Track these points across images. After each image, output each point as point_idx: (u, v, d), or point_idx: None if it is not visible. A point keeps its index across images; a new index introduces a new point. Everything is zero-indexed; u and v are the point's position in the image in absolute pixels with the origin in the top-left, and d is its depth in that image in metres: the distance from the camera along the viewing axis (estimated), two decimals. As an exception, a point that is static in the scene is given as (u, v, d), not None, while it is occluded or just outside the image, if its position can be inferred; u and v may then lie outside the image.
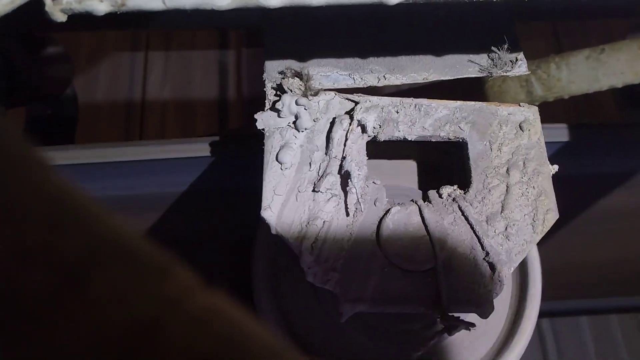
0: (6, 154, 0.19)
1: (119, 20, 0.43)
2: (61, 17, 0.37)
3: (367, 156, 0.47)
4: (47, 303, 0.17)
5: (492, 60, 0.51)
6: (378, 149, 0.50)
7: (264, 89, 0.50)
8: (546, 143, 0.49)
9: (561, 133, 0.65)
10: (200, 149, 0.62)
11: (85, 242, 0.19)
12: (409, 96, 0.49)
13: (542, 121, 0.51)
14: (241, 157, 0.61)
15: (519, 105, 0.50)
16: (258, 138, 0.48)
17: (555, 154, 0.65)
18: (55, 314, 0.17)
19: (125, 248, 0.20)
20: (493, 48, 0.51)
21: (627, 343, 1.24)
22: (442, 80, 0.54)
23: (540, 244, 0.52)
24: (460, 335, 0.50)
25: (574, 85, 0.91)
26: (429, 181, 0.49)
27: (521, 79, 0.89)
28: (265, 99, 0.49)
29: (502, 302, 0.52)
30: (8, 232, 0.18)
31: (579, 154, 0.69)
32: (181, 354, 0.18)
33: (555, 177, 0.48)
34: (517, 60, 0.52)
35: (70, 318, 0.17)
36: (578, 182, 0.72)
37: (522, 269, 0.53)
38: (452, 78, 0.51)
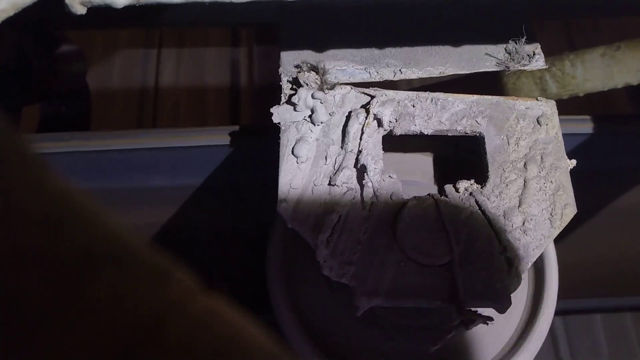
0: (5, 155, 0.19)
1: (134, 14, 0.43)
2: (81, 10, 0.37)
3: (383, 150, 0.47)
4: (46, 306, 0.17)
5: (510, 54, 0.51)
6: (394, 143, 0.50)
7: (280, 83, 0.50)
8: (568, 135, 0.48)
9: (584, 125, 0.64)
10: (216, 138, 0.62)
11: (85, 245, 0.19)
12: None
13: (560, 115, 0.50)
14: (257, 150, 0.61)
15: (537, 100, 0.50)
16: (273, 130, 0.48)
17: (578, 147, 0.64)
18: (53, 317, 0.17)
19: (125, 251, 0.20)
20: (510, 41, 0.50)
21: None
22: (458, 77, 0.53)
23: (557, 241, 0.52)
24: (476, 330, 0.50)
25: (589, 82, 0.90)
26: (445, 176, 0.49)
27: (535, 76, 0.89)
28: (281, 93, 0.49)
29: (518, 299, 0.52)
30: (7, 235, 0.18)
31: (602, 147, 0.68)
32: (181, 355, 0.18)
33: (576, 171, 0.47)
34: (534, 54, 0.52)
35: (69, 321, 0.17)
36: (599, 176, 0.71)
37: (538, 267, 0.53)
38: (469, 72, 0.51)
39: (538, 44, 0.52)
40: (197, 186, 0.65)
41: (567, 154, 0.47)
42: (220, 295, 0.21)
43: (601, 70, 0.91)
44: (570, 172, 0.47)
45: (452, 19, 0.53)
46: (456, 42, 0.51)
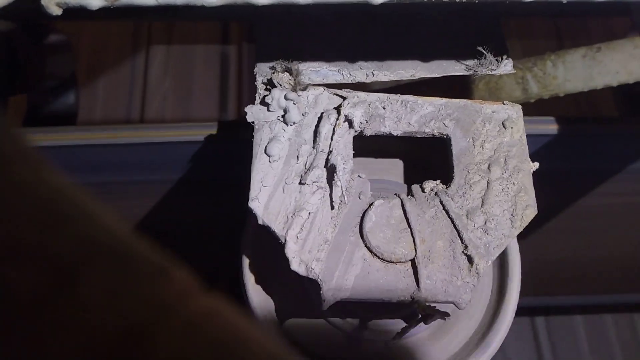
0: (2, 150, 0.19)
1: (114, 12, 0.44)
2: (56, 11, 0.38)
3: (356, 153, 0.48)
4: (35, 304, 0.17)
5: (478, 59, 0.53)
6: (366, 147, 0.52)
7: (255, 83, 0.51)
8: (534, 136, 0.49)
9: (549, 126, 0.66)
10: (196, 134, 0.63)
11: (77, 243, 0.19)
12: (399, 92, 0.50)
13: (538, 115, 0.51)
14: (236, 145, 0.62)
15: (503, 104, 0.51)
16: (248, 127, 0.50)
17: (544, 147, 0.66)
18: (42, 316, 0.17)
19: (119, 250, 0.19)
20: (479, 47, 0.52)
21: (620, 342, 1.25)
22: (434, 77, 0.55)
23: (527, 238, 0.53)
24: (439, 325, 0.52)
25: (570, 83, 0.92)
26: (414, 176, 0.51)
27: (517, 75, 0.90)
28: (256, 93, 0.51)
29: (483, 294, 0.54)
30: (1, 228, 0.18)
31: (567, 147, 0.70)
32: (176, 355, 0.18)
33: (543, 172, 0.49)
34: (502, 59, 0.53)
35: (58, 320, 0.17)
36: (567, 176, 0.73)
37: (502, 263, 0.55)
38: (439, 76, 0.52)
39: (507, 50, 0.54)
40: (176, 180, 0.66)
41: (532, 155, 0.49)
42: (220, 294, 0.20)
43: (582, 71, 0.93)
44: (534, 173, 0.49)
45: (424, 26, 0.54)
46: (427, 49, 0.53)
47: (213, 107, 1.32)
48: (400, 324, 0.51)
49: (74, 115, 1.02)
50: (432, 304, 0.44)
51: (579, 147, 0.71)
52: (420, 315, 0.46)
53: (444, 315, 0.44)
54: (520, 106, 0.52)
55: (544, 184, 0.49)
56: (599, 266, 1.02)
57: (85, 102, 1.19)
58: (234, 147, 0.63)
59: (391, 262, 0.46)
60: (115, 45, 1.35)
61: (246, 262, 0.53)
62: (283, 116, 0.50)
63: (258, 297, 0.52)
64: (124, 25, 1.36)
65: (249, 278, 0.52)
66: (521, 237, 0.48)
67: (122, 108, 1.29)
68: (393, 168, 0.56)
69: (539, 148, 0.64)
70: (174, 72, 1.33)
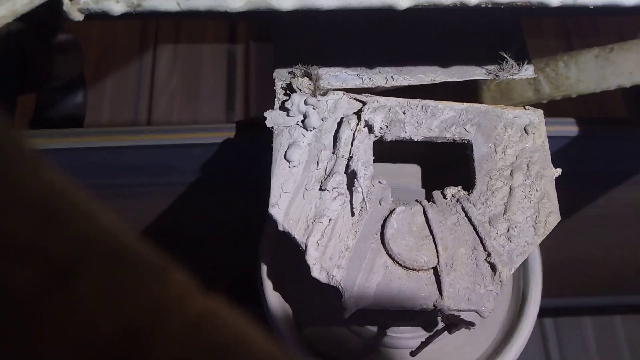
0: (1, 149, 0.19)
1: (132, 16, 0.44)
2: (78, 17, 0.38)
3: (374, 159, 0.48)
4: (30, 303, 0.17)
5: (499, 63, 0.52)
6: (385, 152, 0.51)
7: (274, 88, 0.51)
8: (554, 137, 0.49)
9: (569, 127, 0.65)
10: (209, 136, 0.62)
11: (75, 241, 0.18)
12: (416, 97, 0.50)
13: (552, 116, 0.50)
14: (251, 147, 0.61)
15: (525, 108, 0.51)
16: (265, 128, 0.49)
17: (563, 148, 0.65)
18: (38, 315, 0.17)
19: (118, 249, 0.19)
20: (500, 52, 0.51)
21: (629, 343, 1.25)
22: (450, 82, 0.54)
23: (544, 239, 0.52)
24: (459, 334, 0.51)
25: (582, 84, 0.91)
26: (434, 183, 0.50)
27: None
28: (275, 98, 0.50)
29: (502, 303, 0.53)
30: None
31: (587, 148, 0.69)
32: (175, 358, 0.17)
33: (563, 172, 0.48)
34: (523, 63, 0.53)
35: (54, 320, 0.17)
36: (585, 177, 0.72)
37: (523, 271, 0.54)
38: (459, 80, 0.52)
39: (529, 54, 0.53)
40: (190, 183, 0.66)
41: (552, 156, 0.48)
42: (219, 296, 0.20)
43: (594, 72, 0.92)
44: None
45: (444, 31, 0.54)
46: (448, 53, 0.52)
47: (220, 107, 1.32)
48: (420, 331, 0.51)
49: (82, 114, 1.02)
50: (455, 313, 0.44)
51: (598, 149, 0.70)
52: (443, 325, 0.46)
53: (469, 324, 0.44)
54: (542, 111, 0.51)
55: (560, 185, 0.48)
56: (609, 268, 1.02)
57: (93, 101, 1.19)
58: (248, 148, 0.63)
59: (413, 269, 0.45)
60: (122, 44, 1.35)
61: (264, 268, 0.52)
62: (302, 121, 0.49)
63: (277, 303, 0.52)
64: (132, 24, 1.36)
65: (268, 284, 0.52)
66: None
67: (130, 108, 1.29)
68: (411, 174, 0.55)
69: (556, 150, 0.63)
70: (181, 71, 1.33)
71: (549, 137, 0.49)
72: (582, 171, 0.74)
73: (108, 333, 0.17)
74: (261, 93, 1.31)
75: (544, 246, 0.58)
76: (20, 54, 0.88)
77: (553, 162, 0.48)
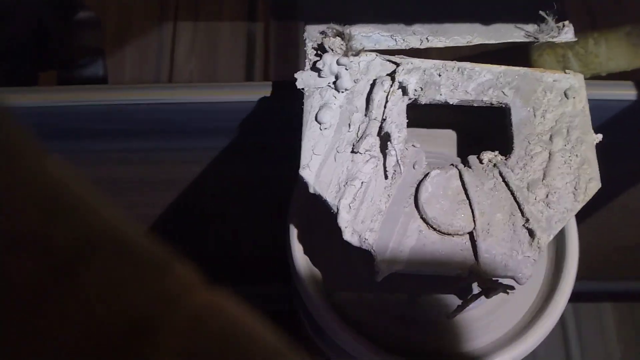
0: (1, 142, 0.19)
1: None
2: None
3: (409, 123, 0.46)
4: (35, 294, 0.17)
5: (539, 25, 0.50)
6: (417, 118, 0.50)
7: (305, 49, 0.49)
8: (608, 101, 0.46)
9: (627, 91, 0.60)
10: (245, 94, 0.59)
11: (80, 233, 0.18)
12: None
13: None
14: (281, 108, 0.58)
15: (565, 72, 0.49)
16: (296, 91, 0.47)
17: (619, 114, 0.60)
18: (42, 307, 0.17)
19: (122, 241, 0.19)
20: (541, 12, 0.49)
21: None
22: (483, 51, 0.52)
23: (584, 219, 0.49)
24: (493, 302, 0.50)
25: (613, 62, 0.88)
26: (468, 150, 0.49)
27: (558, 54, 0.87)
28: (305, 59, 0.49)
29: (537, 272, 0.52)
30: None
31: None
32: (176, 354, 0.17)
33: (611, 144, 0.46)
34: (564, 26, 0.51)
35: (59, 312, 0.17)
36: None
37: (559, 242, 0.52)
38: (497, 42, 0.50)
39: (568, 17, 0.51)
40: (223, 147, 0.64)
41: (605, 123, 0.46)
42: (222, 289, 0.20)
43: (626, 50, 0.89)
44: (599, 144, 0.47)
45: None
46: (485, 15, 0.50)
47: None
48: (452, 299, 0.49)
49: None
50: (493, 278, 0.43)
51: None
52: (480, 290, 0.45)
53: (507, 288, 0.43)
54: (582, 75, 0.49)
55: (610, 157, 0.46)
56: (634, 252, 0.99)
57: (113, 80, 1.19)
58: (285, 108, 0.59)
59: (448, 234, 0.44)
60: (141, 25, 1.34)
61: (294, 231, 0.51)
62: (334, 83, 0.48)
63: (305, 267, 0.51)
64: (150, 5, 1.35)
65: (298, 248, 0.51)
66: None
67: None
68: (445, 140, 0.54)
69: (613, 115, 0.59)
70: (200, 50, 1.32)
71: (601, 100, 0.47)
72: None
73: (115, 323, 0.17)
74: (280, 72, 1.30)
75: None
76: (40, 31, 0.88)
77: (604, 129, 0.46)
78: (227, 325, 0.19)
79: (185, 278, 0.19)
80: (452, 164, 0.47)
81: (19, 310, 0.16)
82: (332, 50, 0.48)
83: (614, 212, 0.79)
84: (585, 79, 0.89)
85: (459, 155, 0.54)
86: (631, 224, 0.88)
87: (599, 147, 0.47)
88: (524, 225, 0.44)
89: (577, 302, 1.25)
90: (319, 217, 0.48)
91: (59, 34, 0.93)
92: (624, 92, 0.58)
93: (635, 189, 0.77)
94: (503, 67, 0.48)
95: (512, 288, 0.43)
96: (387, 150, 0.46)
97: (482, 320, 0.50)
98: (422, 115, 0.50)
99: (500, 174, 0.45)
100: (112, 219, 0.19)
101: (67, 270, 0.17)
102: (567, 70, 0.49)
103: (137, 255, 0.19)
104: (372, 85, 0.48)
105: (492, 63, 0.50)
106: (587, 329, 1.24)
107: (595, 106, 0.54)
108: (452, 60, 0.48)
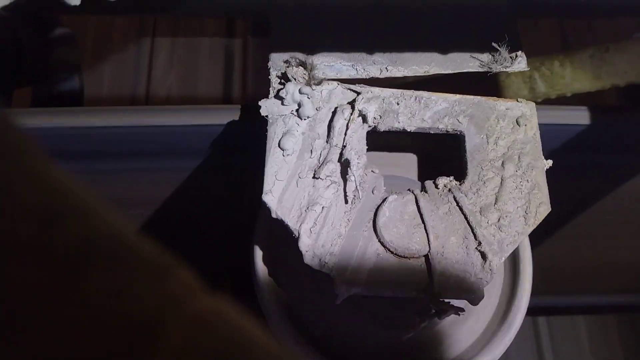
0: (3, 146, 0.19)
1: (129, 4, 0.44)
2: (75, 1, 0.38)
3: (369, 148, 0.48)
4: (38, 298, 0.17)
5: (493, 56, 0.52)
6: (379, 142, 0.52)
7: (269, 77, 0.51)
8: (564, 126, 0.48)
9: (581, 115, 0.62)
10: (206, 117, 0.59)
11: (81, 237, 0.18)
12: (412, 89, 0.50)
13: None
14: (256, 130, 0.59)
15: (517, 101, 0.51)
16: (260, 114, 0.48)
17: (575, 138, 0.62)
18: (46, 310, 0.17)
19: (124, 246, 0.19)
20: (494, 44, 0.52)
21: (622, 342, 1.25)
22: (445, 75, 0.55)
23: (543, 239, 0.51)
24: (450, 322, 0.52)
25: (577, 83, 0.92)
26: (428, 172, 0.51)
27: (525, 75, 0.90)
28: (269, 87, 0.51)
29: (494, 291, 0.54)
30: (1, 225, 0.17)
31: (597, 139, 0.64)
32: (180, 357, 0.17)
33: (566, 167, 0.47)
34: (517, 56, 0.53)
35: (62, 315, 0.17)
36: (587, 171, 0.70)
37: (514, 260, 0.55)
38: (453, 72, 0.52)
39: (522, 47, 0.54)
40: (194, 168, 0.65)
41: (562, 146, 0.48)
42: (222, 294, 0.20)
43: (589, 71, 0.92)
44: (549, 169, 0.49)
45: (439, 23, 0.54)
46: (442, 45, 0.53)
47: (217, 102, 1.32)
48: (412, 318, 0.51)
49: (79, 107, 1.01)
50: (446, 300, 0.44)
51: (612, 138, 0.65)
52: (433, 311, 0.46)
53: (458, 310, 0.44)
54: (534, 104, 0.52)
55: (564, 180, 0.48)
56: (603, 266, 1.02)
57: (89, 96, 1.19)
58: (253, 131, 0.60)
59: (405, 257, 0.46)
60: (119, 41, 1.35)
61: (259, 254, 0.53)
62: (297, 110, 0.50)
63: (270, 289, 0.52)
64: (129, 20, 1.36)
65: (262, 270, 0.52)
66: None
67: (126, 103, 1.29)
68: (406, 163, 0.56)
69: (568, 139, 0.61)
70: (178, 66, 1.33)
71: (557, 125, 0.49)
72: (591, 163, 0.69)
73: (116, 328, 0.17)
74: (259, 88, 1.32)
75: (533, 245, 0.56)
76: (17, 47, 0.88)
77: (559, 153, 0.48)
78: (229, 329, 0.19)
79: (186, 283, 0.19)
80: (409, 189, 0.48)
81: (21, 315, 0.16)
82: (295, 79, 0.50)
83: (572, 234, 0.82)
84: (551, 99, 0.93)
85: (420, 177, 0.56)
86: (587, 245, 0.90)
87: (557, 169, 0.49)
88: (476, 248, 0.46)
89: (550, 315, 1.28)
90: (282, 240, 0.50)
91: (35, 51, 0.93)
92: (579, 117, 0.60)
93: (592, 209, 0.79)
94: (458, 96, 0.51)
95: (462, 310, 0.45)
96: (347, 176, 0.47)
97: (440, 338, 0.52)
98: (384, 139, 0.52)
99: (455, 198, 0.47)
100: (114, 223, 0.19)
101: (69, 274, 0.17)
102: (519, 99, 0.52)
103: (140, 260, 0.19)
104: (334, 113, 0.50)
105: (463, 82, 0.52)
106: (561, 342, 1.27)
107: (551, 130, 0.57)
108: (420, 81, 0.50)
